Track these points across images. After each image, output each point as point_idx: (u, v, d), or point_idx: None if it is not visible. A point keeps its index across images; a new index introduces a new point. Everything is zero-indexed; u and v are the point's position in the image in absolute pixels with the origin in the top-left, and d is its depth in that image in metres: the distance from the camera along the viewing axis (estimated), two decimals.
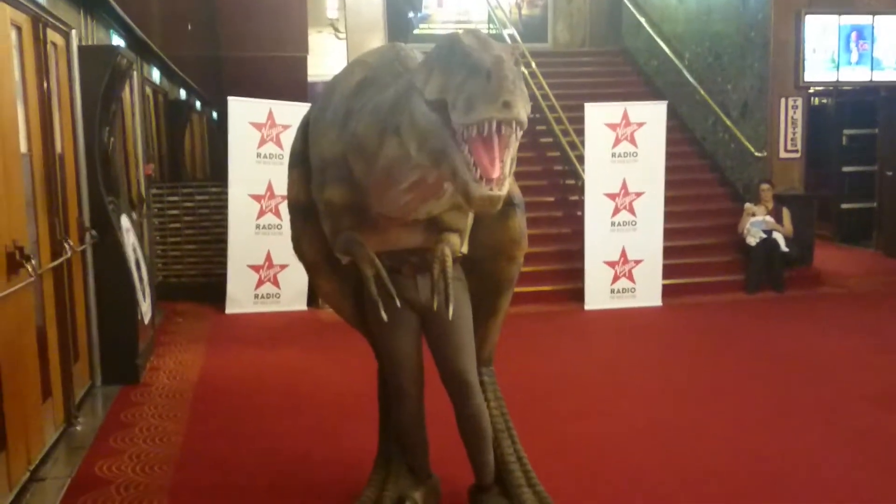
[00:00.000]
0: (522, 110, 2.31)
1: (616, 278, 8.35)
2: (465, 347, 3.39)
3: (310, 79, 15.10)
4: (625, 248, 8.32)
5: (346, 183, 3.07)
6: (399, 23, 11.19)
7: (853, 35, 9.78)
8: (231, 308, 8.30)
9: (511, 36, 11.88)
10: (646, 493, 4.02)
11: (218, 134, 14.39)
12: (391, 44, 3.39)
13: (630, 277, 8.37)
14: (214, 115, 15.13)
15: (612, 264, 8.33)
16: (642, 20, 12.31)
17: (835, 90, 11.74)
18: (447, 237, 3.24)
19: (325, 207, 3.19)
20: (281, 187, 8.31)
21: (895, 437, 4.76)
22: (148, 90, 9.11)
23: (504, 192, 2.42)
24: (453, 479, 3.86)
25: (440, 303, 3.15)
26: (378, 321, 3.28)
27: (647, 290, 8.41)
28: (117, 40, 7.07)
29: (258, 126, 8.34)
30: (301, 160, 3.42)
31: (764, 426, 4.95)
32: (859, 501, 3.94)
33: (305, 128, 3.43)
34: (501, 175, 2.39)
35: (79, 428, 4.90)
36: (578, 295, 8.32)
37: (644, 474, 4.23)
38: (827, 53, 9.76)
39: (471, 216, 3.34)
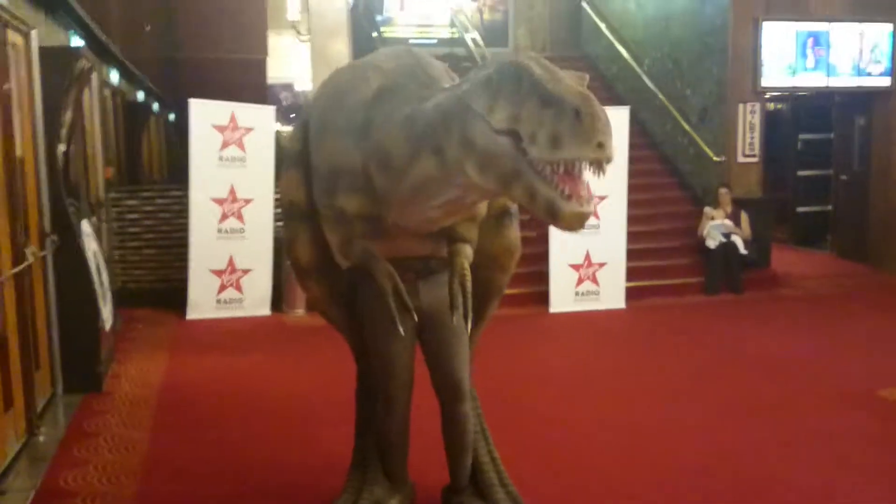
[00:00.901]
0: (613, 148, 2.26)
1: (580, 281, 8.40)
2: (462, 355, 3.39)
3: (269, 81, 14.97)
4: (589, 251, 8.38)
5: (361, 193, 3.00)
6: (364, 26, 11.17)
7: (809, 41, 9.97)
8: (192, 314, 8.18)
9: (474, 40, 11.91)
10: (615, 491, 4.06)
11: (176, 136, 14.21)
12: (405, 48, 3.34)
13: (594, 280, 8.43)
14: (172, 117, 14.94)
15: (576, 267, 8.38)
16: (602, 26, 12.43)
17: (790, 96, 11.96)
18: (463, 249, 3.21)
19: (336, 215, 3.13)
20: (243, 191, 8.26)
21: (856, 435, 4.85)
22: (106, 92, 8.96)
23: (593, 209, 2.35)
24: (424, 480, 3.85)
25: (459, 317, 3.13)
26: (375, 327, 3.28)
27: (611, 293, 8.48)
28: (76, 41, 6.94)
29: (220, 129, 8.24)
30: (299, 161, 3.36)
31: (729, 424, 5.04)
32: (823, 496, 4.00)
33: (305, 129, 3.36)
34: (588, 192, 2.33)
35: (41, 438, 4.79)
36: (543, 298, 8.36)
37: (613, 473, 4.28)
38: (784, 59, 9.93)
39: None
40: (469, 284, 3.14)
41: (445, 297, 3.28)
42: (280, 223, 8.60)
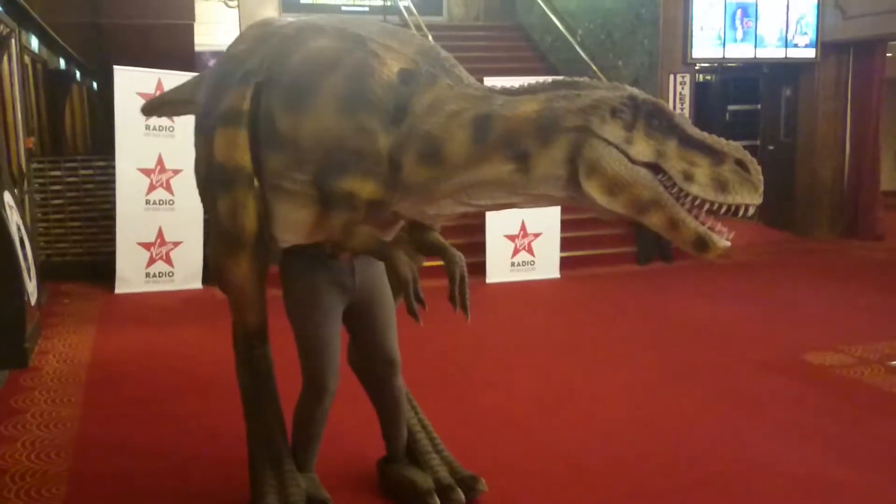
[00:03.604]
0: None
1: (516, 252, 8.46)
2: (392, 329, 3.41)
3: (197, 48, 14.59)
4: (524, 221, 8.42)
5: (380, 179, 2.87)
6: None
7: (738, 13, 10.13)
8: (121, 288, 7.99)
9: (406, 8, 11.77)
10: (553, 457, 4.10)
11: (99, 105, 13.78)
12: (408, 31, 3.20)
13: (530, 251, 8.50)
14: (95, 85, 14.49)
15: (512, 238, 8.43)
16: None
17: (719, 67, 12.17)
18: (444, 242, 3.18)
19: (342, 199, 2.90)
20: (172, 161, 8.04)
21: (783, 397, 4.99)
22: (26, 59, 8.62)
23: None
24: (359, 453, 3.84)
25: (462, 307, 3.08)
26: (310, 312, 3.21)
27: (546, 263, 8.56)
28: None
29: (146, 97, 7.97)
30: (243, 122, 3.10)
31: (661, 389, 5.14)
32: (752, 454, 4.10)
33: (257, 88, 3.11)
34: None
35: None
36: (480, 269, 8.38)
37: (551, 441, 4.32)
38: (714, 31, 10.08)
39: None
40: (466, 276, 3.07)
41: (377, 274, 3.31)
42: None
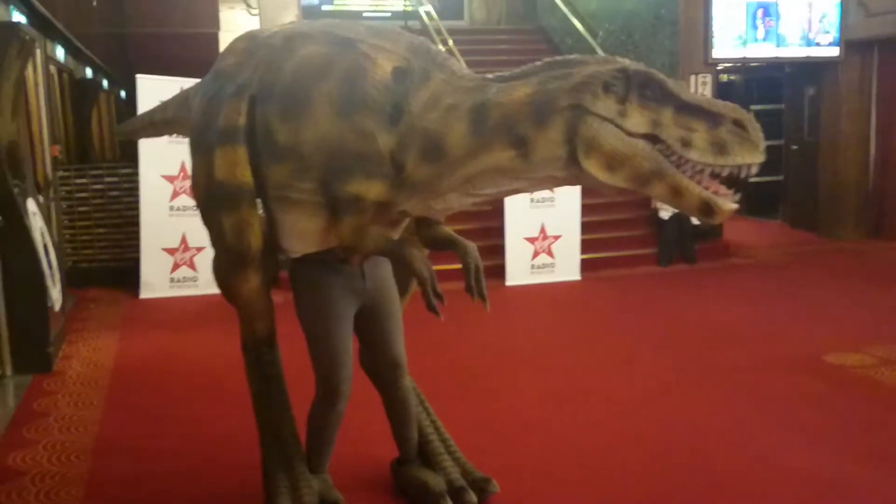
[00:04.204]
0: None
1: (536, 254, 8.46)
2: (399, 333, 3.44)
3: None
4: (544, 224, 8.43)
5: (385, 179, 2.90)
6: None
7: (759, 12, 10.05)
8: (145, 293, 8.10)
9: (427, 13, 11.82)
10: (568, 460, 4.10)
11: (127, 114, 13.98)
12: (396, 29, 3.18)
13: (549, 253, 8.50)
14: (123, 94, 14.70)
15: (531, 240, 8.44)
16: None
17: (743, 67, 12.08)
18: (454, 235, 3.19)
19: (350, 203, 2.92)
20: None
21: (802, 398, 4.95)
22: (52, 69, 8.77)
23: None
24: (372, 454, 3.87)
25: (479, 296, 3.03)
26: (322, 318, 3.22)
27: (566, 265, 8.55)
28: (17, 17, 6.78)
29: None
30: (244, 136, 3.10)
31: (681, 391, 5.11)
32: (770, 457, 4.08)
33: (251, 101, 3.12)
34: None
35: None
36: (499, 271, 8.39)
37: (566, 443, 4.32)
38: (734, 31, 10.00)
39: None
40: (481, 265, 3.06)
41: (385, 277, 3.34)
42: None
